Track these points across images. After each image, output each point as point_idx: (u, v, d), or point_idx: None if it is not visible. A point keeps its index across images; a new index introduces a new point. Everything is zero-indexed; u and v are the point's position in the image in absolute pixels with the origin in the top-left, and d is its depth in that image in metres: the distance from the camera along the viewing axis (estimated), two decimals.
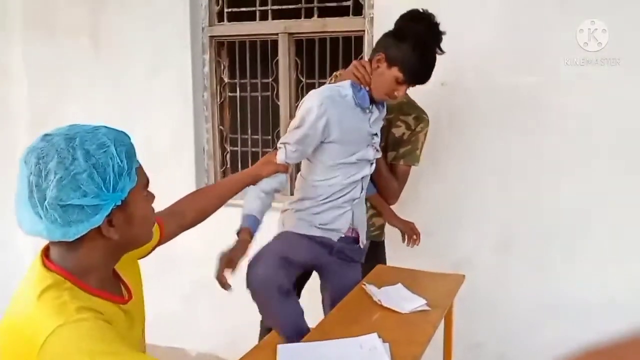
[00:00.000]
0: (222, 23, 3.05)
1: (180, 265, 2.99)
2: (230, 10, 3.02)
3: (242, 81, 3.10)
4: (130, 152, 1.02)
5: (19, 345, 0.93)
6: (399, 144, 2.17)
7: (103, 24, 3.14)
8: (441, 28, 2.03)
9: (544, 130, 2.44)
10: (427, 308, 1.81)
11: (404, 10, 2.56)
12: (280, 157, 1.78)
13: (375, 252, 2.28)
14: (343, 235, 1.93)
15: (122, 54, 3.13)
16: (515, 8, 2.41)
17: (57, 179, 0.94)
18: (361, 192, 1.93)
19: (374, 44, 1.90)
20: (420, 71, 1.79)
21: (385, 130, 2.15)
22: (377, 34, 2.57)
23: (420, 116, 2.18)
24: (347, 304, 1.88)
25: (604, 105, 2.34)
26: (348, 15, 2.77)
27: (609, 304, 2.39)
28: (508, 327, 2.57)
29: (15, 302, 0.99)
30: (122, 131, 1.05)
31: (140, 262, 1.18)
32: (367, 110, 1.86)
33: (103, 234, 1.00)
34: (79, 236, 0.98)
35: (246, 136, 3.14)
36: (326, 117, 1.74)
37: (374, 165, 1.94)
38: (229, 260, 1.62)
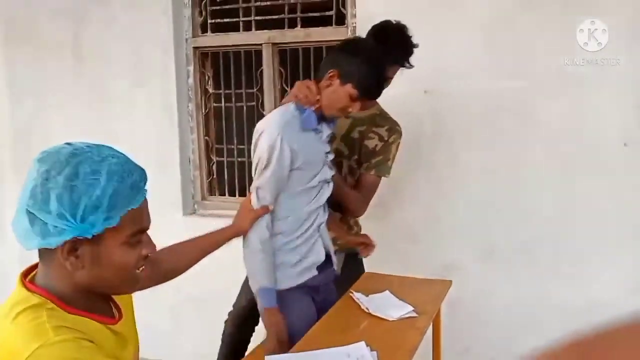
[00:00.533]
0: (205, 34, 3.06)
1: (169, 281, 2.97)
2: (213, 21, 3.03)
3: (227, 91, 3.10)
4: (122, 193, 0.94)
5: None
6: (372, 155, 2.15)
7: (85, 37, 3.13)
8: (415, 40, 2.04)
9: (530, 135, 2.46)
10: (414, 315, 1.82)
11: (385, 19, 2.59)
12: (256, 202, 1.74)
13: (353, 264, 2.27)
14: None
15: (105, 66, 3.12)
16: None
17: (32, 187, 0.93)
18: (325, 215, 1.91)
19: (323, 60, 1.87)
20: (374, 87, 1.77)
21: (358, 143, 2.14)
22: None
23: (393, 128, 2.16)
24: (335, 312, 1.88)
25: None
26: (331, 25, 2.79)
27: (595, 308, 2.41)
28: (496, 331, 2.59)
29: None
30: (138, 169, 0.98)
31: None
32: (317, 130, 1.82)
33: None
34: (32, 249, 0.96)
35: (232, 146, 3.14)
36: (289, 147, 1.70)
37: (331, 184, 1.91)
38: (281, 345, 1.67)
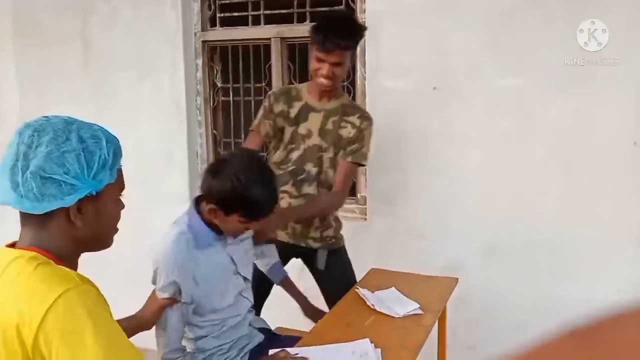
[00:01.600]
0: (214, 28, 3.05)
1: None
2: (222, 15, 3.02)
3: (235, 86, 3.10)
4: (117, 152, 1.09)
5: (10, 323, 0.93)
6: (348, 142, 2.16)
7: (94, 31, 3.14)
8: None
9: (537, 134, 2.44)
10: (420, 312, 1.82)
11: (395, 14, 2.59)
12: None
13: (336, 258, 2.29)
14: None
15: (113, 60, 3.12)
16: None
17: (47, 151, 1.00)
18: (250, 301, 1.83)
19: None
20: (266, 207, 1.58)
21: (333, 134, 2.16)
22: (369, 38, 2.59)
23: (363, 115, 2.19)
24: (341, 308, 1.88)
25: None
26: None
27: (602, 305, 2.40)
28: (502, 329, 2.58)
29: None
30: (113, 134, 1.12)
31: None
32: (219, 240, 1.67)
33: (70, 218, 1.04)
34: (47, 211, 1.02)
35: (240, 140, 3.14)
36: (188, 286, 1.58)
37: (249, 282, 1.80)
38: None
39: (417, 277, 2.16)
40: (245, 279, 1.78)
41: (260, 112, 2.23)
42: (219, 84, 3.13)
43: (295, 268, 2.37)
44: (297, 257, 2.31)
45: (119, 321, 1.44)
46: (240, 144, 3.14)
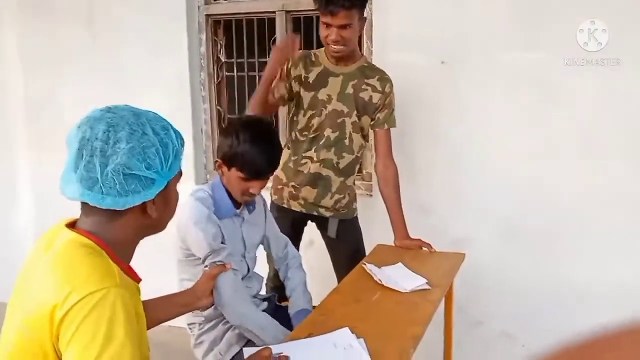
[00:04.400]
0: (218, 2, 3.00)
1: None
2: None
3: (239, 60, 3.06)
4: (182, 139, 1.11)
5: (47, 302, 0.95)
6: (376, 109, 2.18)
7: (98, 7, 3.09)
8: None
9: (554, 112, 2.38)
10: (427, 287, 1.81)
11: None
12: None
13: (347, 228, 2.33)
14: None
15: (118, 36, 3.08)
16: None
17: (129, 148, 1.00)
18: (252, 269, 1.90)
19: None
20: (262, 164, 1.68)
21: (354, 98, 2.16)
22: (376, 11, 2.54)
23: (383, 77, 2.19)
24: (348, 283, 1.88)
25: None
26: None
27: (612, 288, 2.38)
28: (508, 305, 2.58)
29: (38, 259, 1.04)
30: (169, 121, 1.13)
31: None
32: (237, 216, 1.80)
33: (145, 210, 1.06)
34: (128, 207, 1.02)
35: None
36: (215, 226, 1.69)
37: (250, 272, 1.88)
38: None
39: (424, 253, 2.15)
40: (248, 268, 1.85)
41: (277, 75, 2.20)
42: (223, 59, 3.08)
43: (304, 242, 2.41)
44: (311, 222, 2.36)
45: (171, 296, 1.51)
46: None
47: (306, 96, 2.17)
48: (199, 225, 1.65)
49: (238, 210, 1.79)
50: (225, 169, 1.71)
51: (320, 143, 2.19)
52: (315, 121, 2.18)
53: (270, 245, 1.99)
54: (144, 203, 1.05)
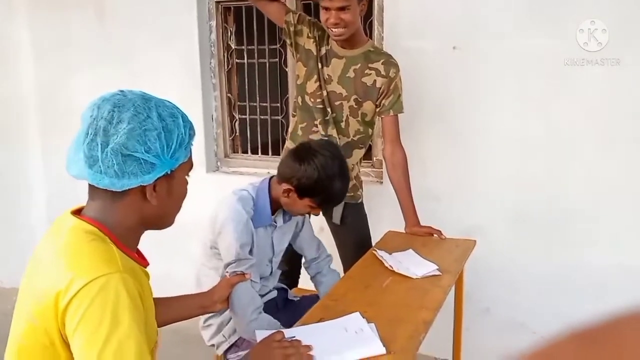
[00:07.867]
0: None
1: (190, 231, 3.01)
2: None
3: (250, 47, 3.05)
4: (192, 131, 1.09)
5: (52, 289, 0.96)
6: (380, 94, 2.15)
7: None
8: None
9: (565, 100, 2.36)
10: (438, 273, 1.81)
11: None
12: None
13: (353, 214, 2.31)
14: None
15: (128, 24, 3.08)
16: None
17: (129, 128, 0.99)
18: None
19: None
20: (336, 197, 1.76)
21: (355, 82, 2.15)
22: None
23: (388, 61, 2.16)
24: (358, 270, 1.88)
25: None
26: None
27: (623, 274, 2.37)
28: (518, 292, 2.58)
29: (45, 250, 1.04)
30: (185, 112, 1.11)
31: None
32: (272, 225, 1.83)
33: (145, 196, 1.05)
34: (125, 189, 1.02)
35: (254, 103, 3.11)
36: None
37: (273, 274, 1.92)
38: None
39: (434, 240, 2.15)
40: (272, 271, 1.90)
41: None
42: (233, 46, 3.08)
43: (315, 227, 2.40)
44: None
45: (187, 297, 1.50)
46: (255, 107, 3.10)
47: (314, 67, 2.17)
48: (235, 230, 1.66)
49: (273, 217, 1.81)
50: (295, 195, 1.71)
51: (326, 118, 2.20)
52: (323, 93, 2.18)
53: (304, 247, 2.00)
54: (143, 188, 1.04)
